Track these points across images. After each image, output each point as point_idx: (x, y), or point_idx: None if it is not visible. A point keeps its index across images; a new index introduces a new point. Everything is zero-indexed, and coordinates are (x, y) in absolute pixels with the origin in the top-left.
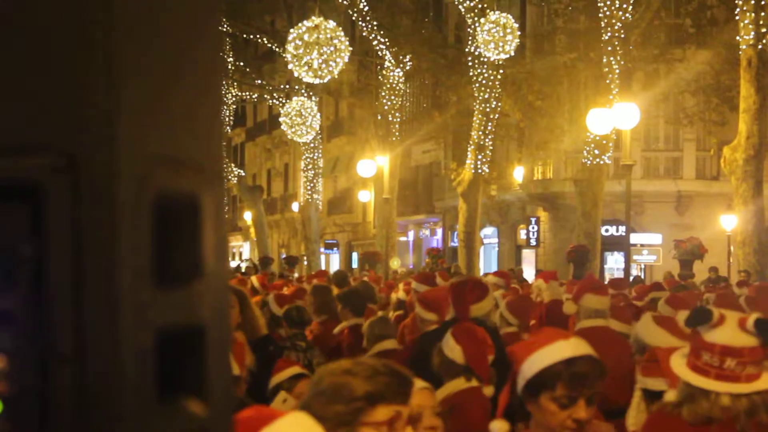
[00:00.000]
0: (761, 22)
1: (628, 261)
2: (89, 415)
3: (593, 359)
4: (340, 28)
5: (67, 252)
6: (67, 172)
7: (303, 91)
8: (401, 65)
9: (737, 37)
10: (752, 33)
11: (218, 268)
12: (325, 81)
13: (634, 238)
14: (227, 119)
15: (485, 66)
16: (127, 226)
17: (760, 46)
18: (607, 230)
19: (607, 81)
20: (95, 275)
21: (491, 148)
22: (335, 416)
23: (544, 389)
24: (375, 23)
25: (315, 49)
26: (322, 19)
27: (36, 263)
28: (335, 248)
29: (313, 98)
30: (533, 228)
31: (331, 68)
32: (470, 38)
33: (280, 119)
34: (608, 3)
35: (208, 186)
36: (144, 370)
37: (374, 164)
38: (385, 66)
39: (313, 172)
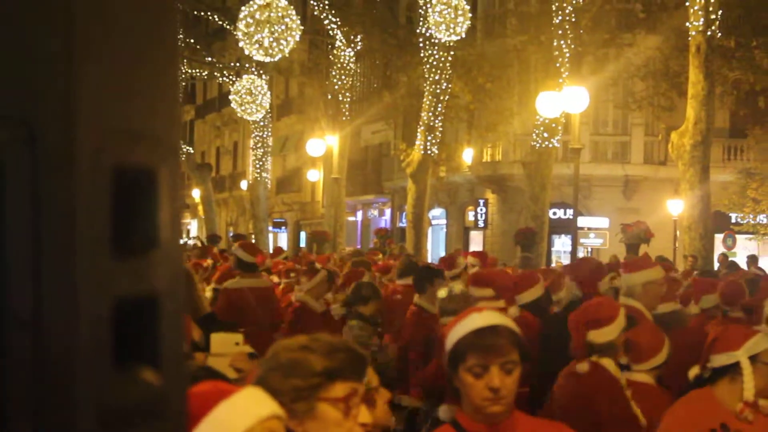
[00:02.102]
0: (710, 9)
1: (575, 244)
2: (46, 380)
3: (504, 328)
4: (292, 7)
5: (26, 222)
6: (25, 144)
7: (253, 69)
8: (352, 45)
9: (686, 23)
10: (701, 19)
11: (173, 240)
12: (276, 59)
13: (582, 222)
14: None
15: (436, 47)
16: (85, 197)
17: (708, 33)
18: (554, 213)
19: (557, 64)
20: (53, 244)
21: (441, 129)
22: (292, 390)
23: (460, 361)
24: (326, 2)
25: (266, 28)
26: None
27: None
28: (283, 227)
29: (264, 76)
30: (481, 210)
31: (282, 47)
32: (421, 19)
33: (230, 97)
34: None
35: (164, 159)
36: (100, 338)
37: (324, 144)
38: (336, 45)
39: (262, 150)
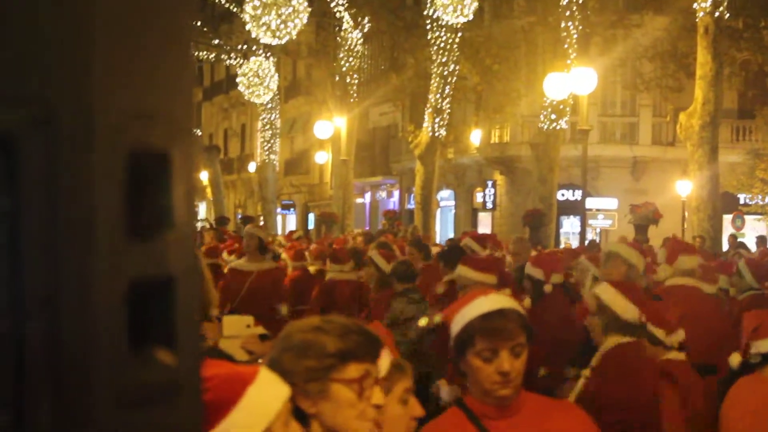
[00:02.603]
0: None
1: (583, 225)
2: (62, 361)
3: (511, 311)
4: None
5: (43, 202)
6: (43, 125)
7: (260, 51)
8: (359, 27)
9: (694, 5)
10: (709, 0)
11: (187, 220)
12: (283, 42)
13: (590, 203)
14: None
15: (443, 29)
16: (101, 179)
17: (717, 14)
18: (563, 194)
19: (565, 46)
20: (70, 225)
21: (449, 111)
22: (306, 371)
23: (468, 346)
24: None
25: (273, 10)
26: None
27: (13, 215)
28: (292, 209)
29: (271, 59)
30: (489, 191)
31: (289, 29)
32: (429, 1)
33: (238, 80)
34: None
35: (178, 140)
36: (116, 320)
37: (332, 126)
38: (344, 27)
39: (270, 132)
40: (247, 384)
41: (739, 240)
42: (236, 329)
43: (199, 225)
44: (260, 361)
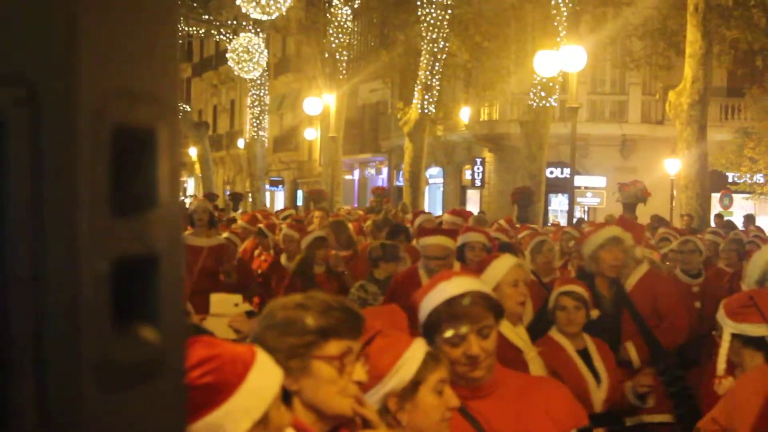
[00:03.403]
0: None
1: (572, 203)
2: (47, 337)
3: (475, 294)
4: None
5: (26, 180)
6: (27, 103)
7: (250, 27)
8: (349, 3)
9: None
10: None
11: (172, 198)
12: (273, 17)
13: (579, 181)
14: None
15: (433, 6)
16: (86, 156)
17: None
18: (551, 172)
19: (555, 23)
20: (54, 203)
21: (438, 88)
22: (288, 348)
23: (436, 332)
24: None
25: None
26: None
27: None
28: (280, 185)
29: (261, 35)
30: (478, 169)
31: (279, 5)
32: None
33: (227, 55)
34: None
35: (163, 118)
36: (100, 297)
37: (321, 102)
38: (333, 3)
39: (259, 108)
40: (248, 366)
41: (726, 218)
42: (224, 308)
43: (187, 201)
44: (248, 340)
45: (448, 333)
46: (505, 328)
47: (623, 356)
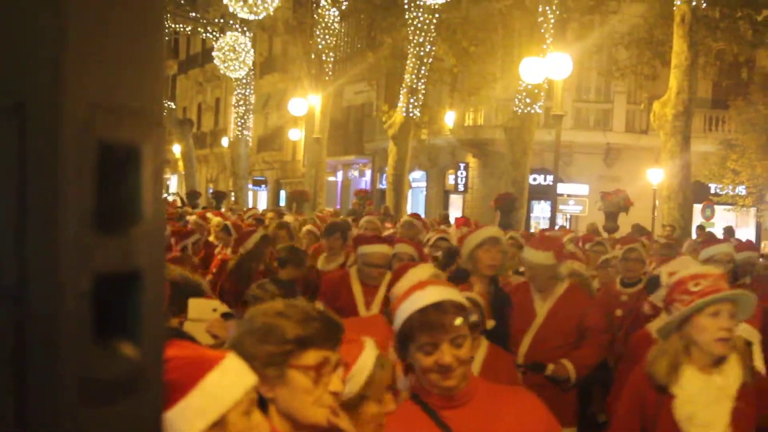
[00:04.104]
0: None
1: (554, 210)
2: (28, 350)
3: (449, 303)
4: None
5: (11, 194)
6: (12, 116)
7: (237, 26)
8: (337, 4)
9: None
10: None
11: (156, 215)
12: (260, 17)
13: (562, 188)
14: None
15: (421, 9)
16: (70, 171)
17: (693, 3)
18: (535, 179)
19: (542, 30)
20: (39, 218)
21: (423, 91)
22: (265, 356)
23: (410, 341)
24: None
25: None
26: None
27: None
28: (263, 185)
29: (247, 34)
30: (462, 173)
31: (266, 5)
32: None
33: (213, 54)
34: None
35: (148, 134)
36: (82, 312)
37: (306, 103)
38: (321, 4)
39: (244, 108)
40: (208, 368)
41: (707, 230)
42: (202, 312)
43: (170, 198)
44: (226, 345)
45: (421, 341)
46: None
47: (557, 373)
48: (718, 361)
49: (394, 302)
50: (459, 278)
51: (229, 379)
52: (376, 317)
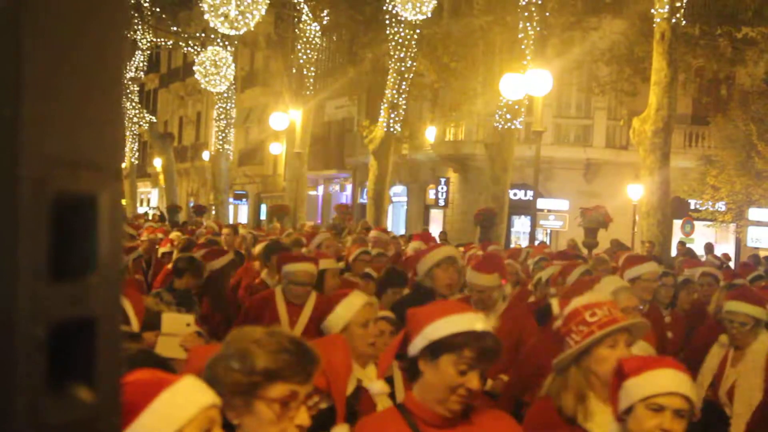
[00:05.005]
0: None
1: (533, 226)
2: None
3: (497, 339)
4: None
5: None
6: None
7: (218, 40)
8: (318, 19)
9: (652, 10)
10: (666, 6)
11: (113, 262)
12: (241, 33)
13: (542, 204)
14: (142, 65)
15: (402, 25)
16: (25, 226)
17: (673, 20)
18: (515, 194)
19: (522, 47)
20: None
21: (404, 107)
22: (233, 384)
23: (449, 352)
24: None
25: (232, 0)
26: None
27: None
28: (244, 199)
29: (229, 48)
30: (442, 188)
31: (247, 20)
32: None
33: (194, 68)
34: None
35: (105, 185)
36: (36, 361)
37: (287, 117)
38: (303, 19)
39: (225, 122)
40: (160, 389)
41: (687, 246)
42: (176, 327)
43: (151, 213)
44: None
45: (466, 358)
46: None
47: (495, 388)
48: None
49: (428, 309)
50: (425, 296)
51: (182, 399)
52: (336, 337)
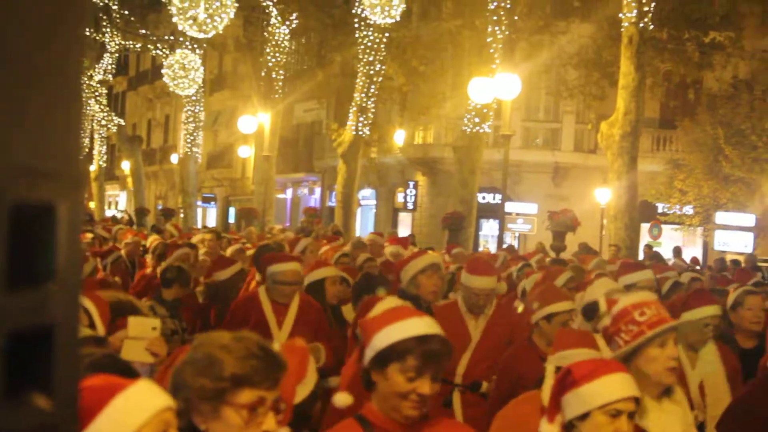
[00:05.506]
0: (643, 0)
1: (502, 229)
2: None
3: (445, 339)
4: None
5: None
6: None
7: (187, 43)
8: (287, 23)
9: (620, 14)
10: (635, 11)
11: (71, 271)
12: (210, 36)
13: (510, 207)
14: (110, 68)
15: (371, 28)
16: None
17: (641, 24)
18: (483, 198)
19: (491, 50)
20: None
21: (373, 110)
22: (201, 389)
23: (395, 361)
24: None
25: (201, 3)
26: None
27: None
28: (213, 202)
29: (197, 51)
30: (411, 192)
31: (216, 23)
32: (357, 0)
33: (163, 71)
34: None
35: (64, 194)
36: None
37: (256, 120)
38: (271, 23)
39: (194, 124)
40: (114, 393)
41: (654, 249)
42: (142, 331)
43: (119, 215)
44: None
45: (410, 365)
46: None
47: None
48: (666, 391)
49: (376, 319)
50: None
51: (135, 403)
52: (295, 343)
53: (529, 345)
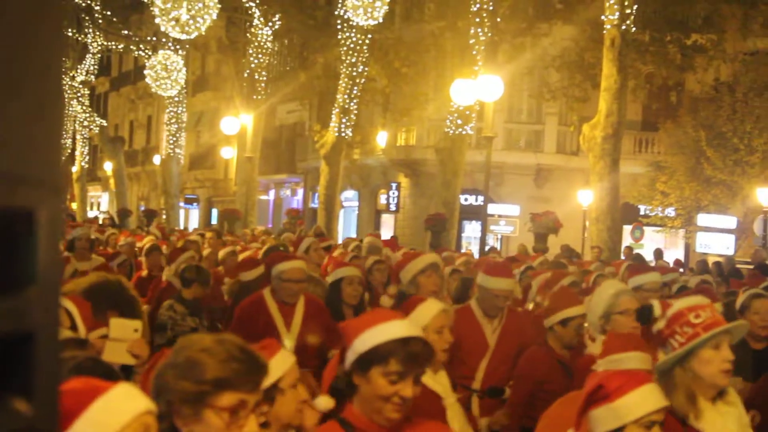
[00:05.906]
0: (626, 3)
1: (484, 231)
2: None
3: (426, 341)
4: None
5: None
6: None
7: (170, 44)
8: (270, 24)
9: (602, 17)
10: (617, 13)
11: (52, 276)
12: (192, 37)
13: (492, 209)
14: (92, 68)
15: (354, 30)
16: None
17: (623, 27)
18: (466, 199)
19: (474, 52)
20: None
21: (356, 111)
22: (182, 392)
23: (377, 364)
24: None
25: (183, 4)
26: None
27: None
28: (195, 203)
29: (180, 52)
30: (393, 193)
31: (198, 24)
32: (340, 1)
33: (145, 72)
34: None
35: (44, 200)
36: None
37: (238, 122)
38: (254, 24)
39: (176, 125)
40: (94, 397)
41: (635, 251)
42: (123, 332)
43: (101, 216)
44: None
45: (393, 368)
46: (426, 375)
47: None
48: (720, 393)
49: (356, 322)
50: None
51: (115, 406)
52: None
53: (545, 349)
